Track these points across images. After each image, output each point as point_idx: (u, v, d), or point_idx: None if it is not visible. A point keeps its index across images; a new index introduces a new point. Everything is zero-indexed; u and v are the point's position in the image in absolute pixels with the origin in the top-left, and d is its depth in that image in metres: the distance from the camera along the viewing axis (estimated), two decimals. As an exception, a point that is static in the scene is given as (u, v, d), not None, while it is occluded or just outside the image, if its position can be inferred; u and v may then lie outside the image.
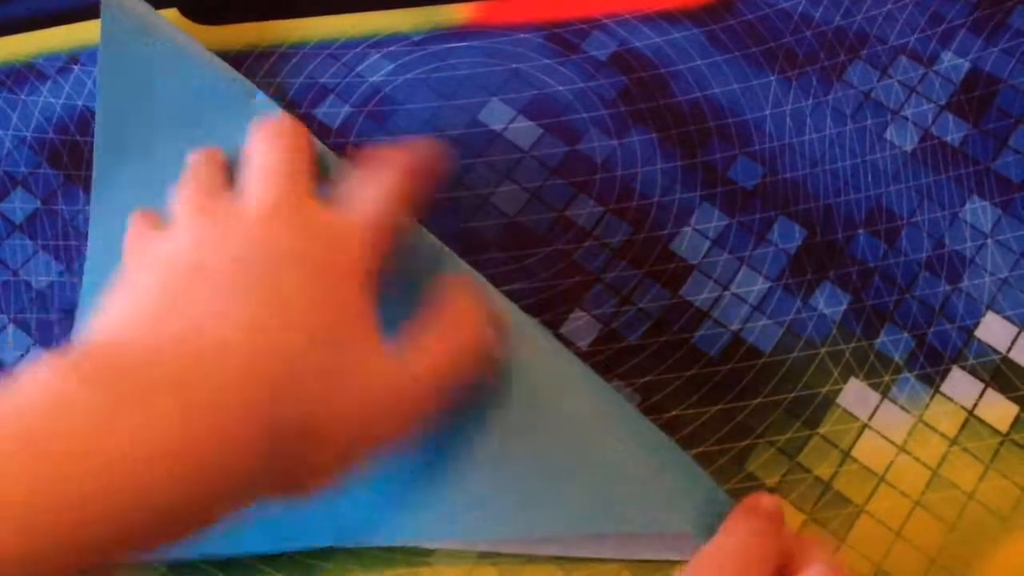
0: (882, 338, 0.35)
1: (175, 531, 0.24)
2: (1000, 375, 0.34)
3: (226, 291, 0.26)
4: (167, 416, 0.24)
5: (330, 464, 0.26)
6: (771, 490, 0.32)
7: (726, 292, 0.35)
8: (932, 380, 0.34)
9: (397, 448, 0.28)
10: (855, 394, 0.34)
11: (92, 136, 0.36)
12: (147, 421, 0.24)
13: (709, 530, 0.28)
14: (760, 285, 0.35)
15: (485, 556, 0.32)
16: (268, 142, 0.30)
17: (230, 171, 0.31)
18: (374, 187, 0.30)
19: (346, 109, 0.38)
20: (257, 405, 0.25)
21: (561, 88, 0.39)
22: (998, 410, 0.34)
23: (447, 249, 0.33)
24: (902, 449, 0.33)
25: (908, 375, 0.34)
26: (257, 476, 0.25)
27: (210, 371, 0.25)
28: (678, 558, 0.31)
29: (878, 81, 0.39)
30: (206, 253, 0.27)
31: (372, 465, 0.28)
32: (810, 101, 0.38)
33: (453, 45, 0.39)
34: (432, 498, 0.30)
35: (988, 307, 0.35)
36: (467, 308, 0.30)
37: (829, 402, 0.34)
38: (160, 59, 0.35)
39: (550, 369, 0.31)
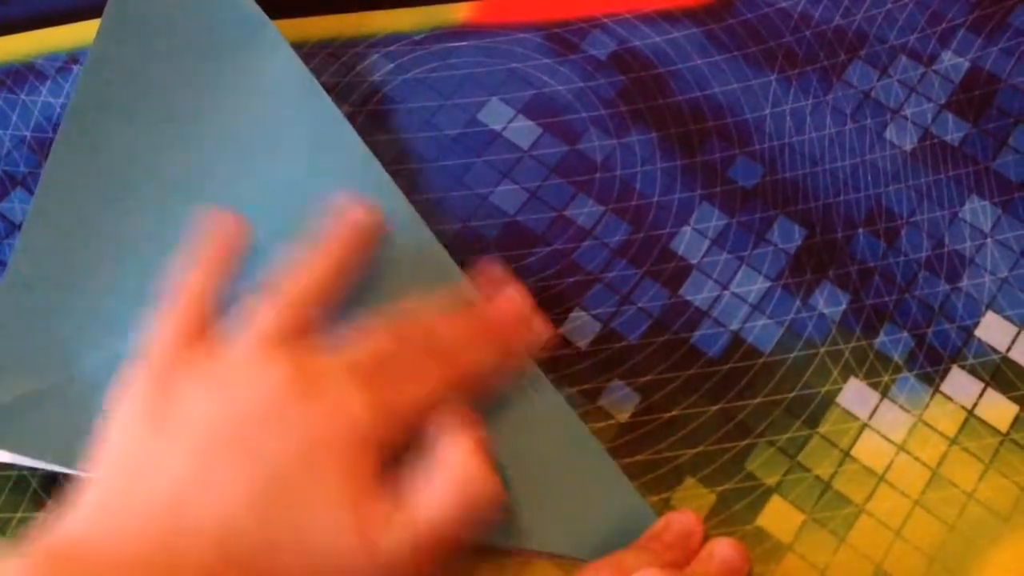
0: (882, 338, 0.35)
1: None
2: (1000, 375, 0.34)
3: (208, 468, 0.26)
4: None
5: None
6: (771, 490, 0.32)
7: (726, 291, 0.35)
8: (932, 380, 0.34)
9: None
10: (855, 394, 0.34)
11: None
12: None
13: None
14: (760, 284, 0.35)
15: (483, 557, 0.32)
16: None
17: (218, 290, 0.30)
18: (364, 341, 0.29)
19: (346, 109, 0.38)
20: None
21: (560, 88, 0.39)
22: (998, 410, 0.33)
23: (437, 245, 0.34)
24: (902, 449, 0.33)
25: (908, 375, 0.34)
26: None
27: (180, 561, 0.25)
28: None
29: (878, 80, 0.39)
30: (194, 419, 0.27)
31: None
32: (810, 101, 0.38)
33: (453, 45, 0.39)
34: None
35: (988, 307, 0.35)
36: (468, 460, 0.28)
37: (829, 402, 0.34)
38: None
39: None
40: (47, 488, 0.33)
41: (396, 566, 0.27)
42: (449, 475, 0.28)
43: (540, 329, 0.32)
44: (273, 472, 0.26)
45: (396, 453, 0.28)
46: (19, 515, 0.32)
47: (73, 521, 0.27)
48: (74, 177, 0.35)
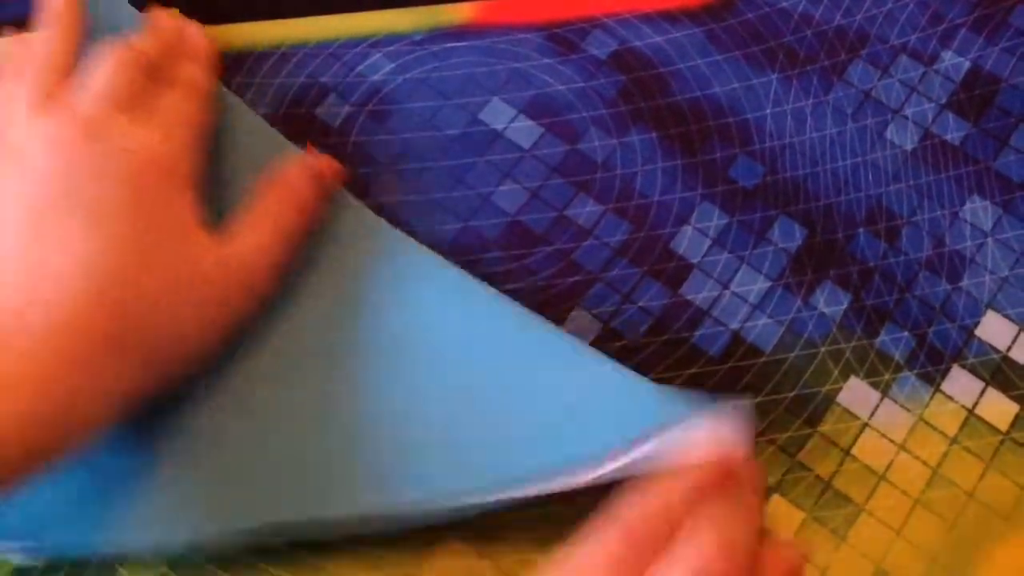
0: (882, 337, 0.35)
1: (39, 454, 0.27)
2: (1000, 374, 0.34)
3: (47, 236, 0.29)
4: (10, 352, 0.27)
5: (187, 349, 0.30)
6: (772, 489, 0.32)
7: (726, 291, 0.35)
8: (932, 379, 0.34)
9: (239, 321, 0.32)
10: (855, 393, 0.34)
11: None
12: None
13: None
14: (760, 284, 0.35)
15: (483, 556, 0.32)
16: (104, 67, 0.32)
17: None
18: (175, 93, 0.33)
19: (347, 108, 0.38)
20: (94, 325, 0.28)
21: (561, 87, 0.39)
22: (998, 409, 0.34)
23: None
24: (902, 448, 0.33)
25: (908, 374, 0.34)
26: (113, 379, 0.28)
27: (49, 305, 0.28)
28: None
29: (879, 80, 0.39)
30: (25, 197, 0.30)
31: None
32: (811, 100, 0.38)
33: (454, 44, 0.39)
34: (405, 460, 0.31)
35: (988, 306, 0.35)
36: (290, 176, 0.33)
37: (829, 401, 0.34)
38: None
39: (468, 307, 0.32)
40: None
41: (239, 274, 0.31)
42: (269, 196, 0.33)
43: None
44: (108, 213, 0.29)
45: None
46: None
47: None
48: None
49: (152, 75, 0.33)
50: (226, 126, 0.36)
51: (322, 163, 0.34)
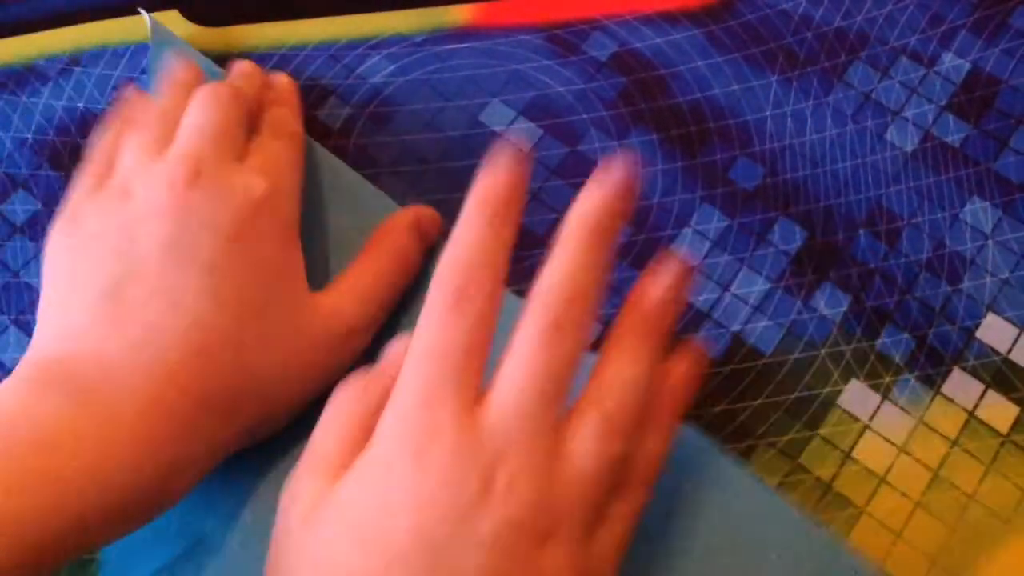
0: (883, 339, 0.35)
1: (136, 517, 0.26)
2: (1001, 376, 0.34)
3: (158, 288, 0.27)
4: (121, 416, 0.25)
5: (280, 412, 0.30)
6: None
7: (726, 293, 0.35)
8: (933, 381, 0.34)
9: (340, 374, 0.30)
10: (856, 395, 0.34)
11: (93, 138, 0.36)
12: (107, 428, 0.25)
13: None
14: (760, 286, 0.35)
15: None
16: (203, 103, 0.31)
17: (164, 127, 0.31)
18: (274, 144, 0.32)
19: (347, 110, 0.38)
20: (197, 387, 0.27)
21: (561, 89, 0.39)
22: (999, 411, 0.34)
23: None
24: (903, 450, 0.33)
25: (909, 376, 0.34)
26: (212, 442, 0.27)
27: (151, 372, 0.27)
28: None
29: (879, 82, 0.39)
30: (133, 241, 0.28)
31: None
32: (811, 102, 0.38)
33: (454, 46, 0.39)
34: None
35: (989, 308, 0.35)
36: (387, 227, 0.33)
37: (830, 403, 0.34)
38: None
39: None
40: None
41: (342, 337, 0.30)
42: (367, 250, 0.32)
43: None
44: (221, 268, 0.28)
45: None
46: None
47: (48, 340, 0.28)
48: None
49: (248, 119, 0.32)
50: (317, 178, 0.35)
51: (422, 214, 0.33)
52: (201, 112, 0.30)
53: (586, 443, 0.25)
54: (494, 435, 0.24)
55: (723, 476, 0.31)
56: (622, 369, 0.26)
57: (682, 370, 0.29)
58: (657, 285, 0.27)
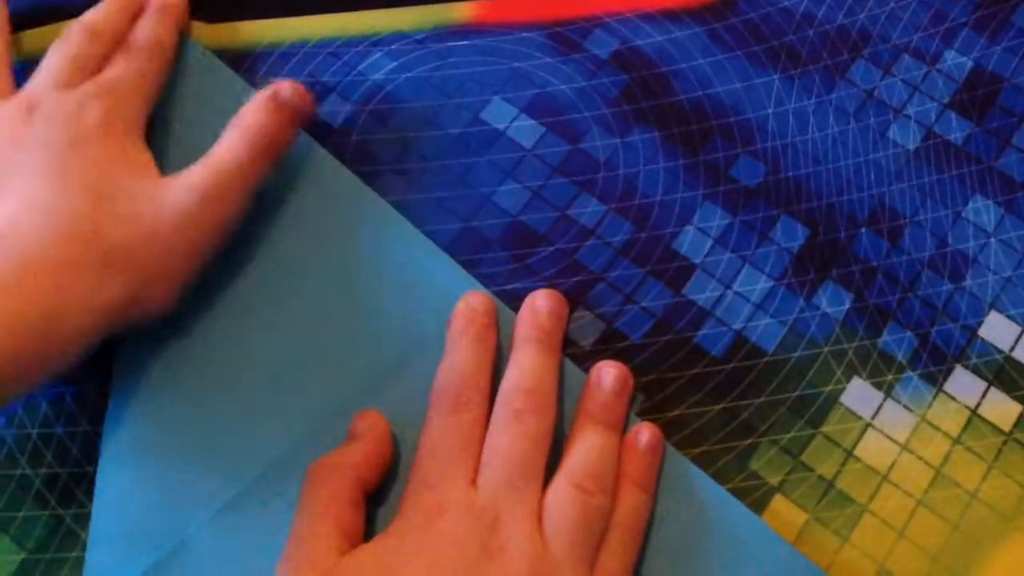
0: (885, 337, 0.34)
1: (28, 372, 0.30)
2: (1003, 374, 0.34)
3: (15, 195, 0.32)
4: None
5: (154, 278, 0.32)
6: (774, 489, 0.32)
7: (729, 291, 0.35)
8: (935, 379, 0.34)
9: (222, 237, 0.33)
10: (858, 393, 0.34)
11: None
12: None
13: None
14: (763, 284, 0.35)
15: None
16: (53, 46, 0.36)
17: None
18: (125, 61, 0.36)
19: (348, 107, 0.38)
20: (68, 250, 0.31)
21: (563, 87, 0.38)
22: (1001, 409, 0.33)
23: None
24: (905, 448, 0.33)
25: (911, 374, 0.34)
26: (88, 299, 0.30)
27: (34, 239, 0.30)
28: None
29: (881, 80, 0.38)
30: (26, 143, 0.33)
31: None
32: (813, 100, 0.38)
33: (455, 43, 0.39)
34: None
35: (991, 306, 0.35)
36: (244, 107, 0.35)
37: (832, 401, 0.34)
38: None
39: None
40: (50, 487, 0.33)
41: (197, 207, 0.33)
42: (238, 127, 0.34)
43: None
44: (60, 169, 0.32)
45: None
46: (22, 514, 0.32)
47: None
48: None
49: (104, 41, 0.36)
50: (197, 82, 0.38)
51: (280, 88, 0.35)
52: (50, 53, 0.36)
53: (565, 496, 0.30)
54: (486, 507, 0.29)
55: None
56: (586, 438, 0.31)
57: (645, 437, 0.32)
58: (608, 376, 0.33)
